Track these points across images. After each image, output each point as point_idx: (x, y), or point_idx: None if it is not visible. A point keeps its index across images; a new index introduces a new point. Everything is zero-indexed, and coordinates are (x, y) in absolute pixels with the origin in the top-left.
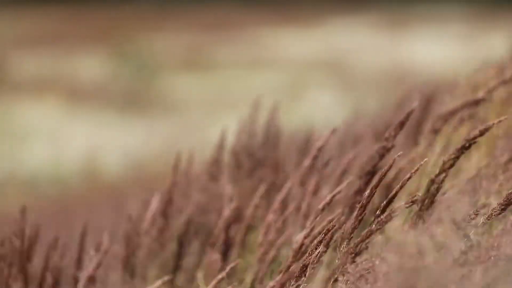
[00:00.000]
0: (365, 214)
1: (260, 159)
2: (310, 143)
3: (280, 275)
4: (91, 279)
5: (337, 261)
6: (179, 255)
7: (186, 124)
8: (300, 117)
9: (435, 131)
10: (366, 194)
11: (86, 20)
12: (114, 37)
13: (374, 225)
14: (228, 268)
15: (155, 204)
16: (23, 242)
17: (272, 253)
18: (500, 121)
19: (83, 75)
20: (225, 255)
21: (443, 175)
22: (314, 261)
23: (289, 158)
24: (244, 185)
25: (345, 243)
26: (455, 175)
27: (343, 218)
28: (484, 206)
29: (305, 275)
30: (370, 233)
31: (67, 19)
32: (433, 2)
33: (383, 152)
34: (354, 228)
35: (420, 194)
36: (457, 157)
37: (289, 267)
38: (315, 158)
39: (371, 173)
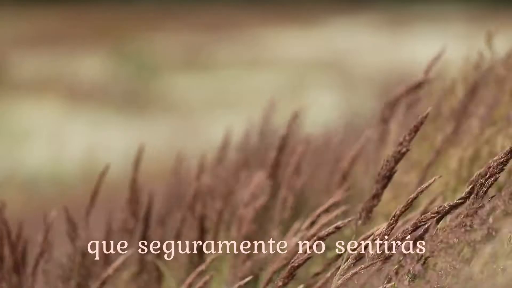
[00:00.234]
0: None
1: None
2: (310, 143)
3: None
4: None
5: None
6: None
7: (186, 124)
8: (300, 117)
9: (385, 120)
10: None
11: (86, 20)
12: (114, 37)
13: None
14: None
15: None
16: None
17: None
18: None
19: (83, 75)
20: None
21: None
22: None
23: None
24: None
25: None
26: None
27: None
28: None
29: None
30: None
31: (67, 19)
32: (433, 2)
33: (399, 157)
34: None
35: None
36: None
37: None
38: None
39: (388, 177)
